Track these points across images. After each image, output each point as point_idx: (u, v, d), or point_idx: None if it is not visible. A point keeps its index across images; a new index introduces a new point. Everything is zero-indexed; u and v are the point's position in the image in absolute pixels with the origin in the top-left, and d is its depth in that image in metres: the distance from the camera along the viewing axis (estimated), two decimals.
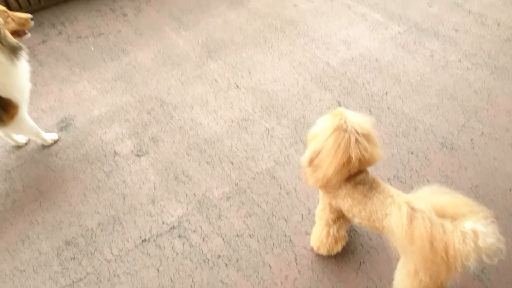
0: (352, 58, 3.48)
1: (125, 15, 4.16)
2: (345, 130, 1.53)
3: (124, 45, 3.76)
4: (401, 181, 2.50)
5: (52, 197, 2.53)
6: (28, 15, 2.48)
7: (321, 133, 1.62)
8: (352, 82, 3.23)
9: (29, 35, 2.51)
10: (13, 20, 2.39)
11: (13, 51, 2.30)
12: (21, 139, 2.86)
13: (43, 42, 3.82)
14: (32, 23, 2.49)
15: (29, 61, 2.50)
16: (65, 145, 2.86)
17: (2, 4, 3.04)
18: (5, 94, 2.33)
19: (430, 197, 1.45)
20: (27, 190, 2.59)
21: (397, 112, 2.96)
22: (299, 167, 2.62)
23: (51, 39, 3.86)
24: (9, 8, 3.80)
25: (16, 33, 2.41)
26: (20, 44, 2.38)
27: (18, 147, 2.86)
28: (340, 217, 1.90)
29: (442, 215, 1.38)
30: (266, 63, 3.49)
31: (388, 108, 2.99)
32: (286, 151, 2.72)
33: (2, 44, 2.23)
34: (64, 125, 3.00)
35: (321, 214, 1.96)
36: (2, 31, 2.23)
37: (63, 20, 4.09)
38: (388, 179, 2.51)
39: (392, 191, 1.63)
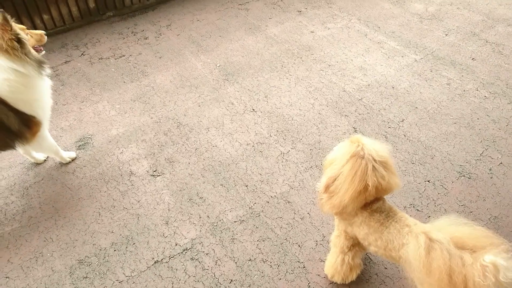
0: (368, 85, 3.49)
1: (146, 38, 4.27)
2: (362, 157, 1.53)
3: (144, 67, 3.85)
4: (418, 210, 2.46)
5: (68, 215, 2.56)
6: (42, 31, 2.58)
7: (338, 160, 1.62)
8: (368, 108, 3.24)
9: (43, 52, 2.60)
10: (32, 36, 2.48)
11: (40, 65, 2.39)
12: (40, 156, 2.91)
13: (66, 62, 3.94)
14: (45, 38, 2.59)
15: (51, 80, 2.57)
16: (83, 163, 2.90)
17: (27, 26, 3.17)
18: (29, 111, 2.39)
19: (449, 227, 1.43)
20: (43, 207, 2.62)
21: (413, 139, 2.94)
22: (314, 192, 2.60)
23: (73, 59, 3.97)
24: (36, 29, 3.95)
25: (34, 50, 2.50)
26: (43, 58, 2.47)
27: (37, 164, 2.92)
28: (355, 244, 1.88)
29: (461, 246, 1.35)
30: (282, 87, 3.52)
31: (404, 135, 2.97)
32: (301, 176, 2.72)
33: (29, 58, 2.31)
34: (82, 144, 3.05)
35: (336, 241, 1.94)
36: (27, 47, 2.32)
37: (86, 42, 4.23)
38: (404, 207, 2.48)
39: (409, 220, 1.61)
